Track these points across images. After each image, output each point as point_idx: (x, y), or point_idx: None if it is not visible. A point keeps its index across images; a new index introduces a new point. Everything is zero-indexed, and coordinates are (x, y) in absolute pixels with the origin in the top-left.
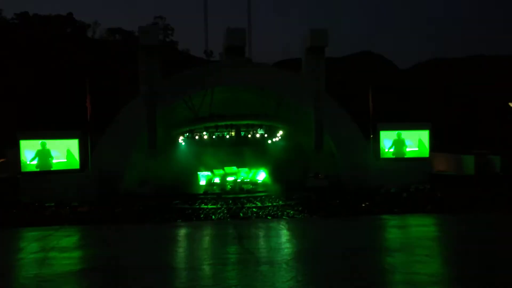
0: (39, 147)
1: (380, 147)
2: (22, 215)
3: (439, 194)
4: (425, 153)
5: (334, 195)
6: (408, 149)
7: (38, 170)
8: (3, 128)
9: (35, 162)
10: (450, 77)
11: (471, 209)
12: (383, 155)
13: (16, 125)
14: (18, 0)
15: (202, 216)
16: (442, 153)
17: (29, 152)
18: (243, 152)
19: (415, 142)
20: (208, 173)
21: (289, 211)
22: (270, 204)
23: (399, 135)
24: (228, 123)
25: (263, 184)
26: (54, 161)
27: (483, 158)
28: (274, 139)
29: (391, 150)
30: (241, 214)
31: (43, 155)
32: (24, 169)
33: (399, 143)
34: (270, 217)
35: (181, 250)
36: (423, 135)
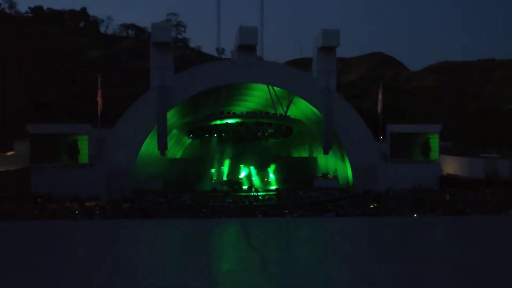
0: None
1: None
2: (31, 208)
3: (448, 196)
4: (434, 155)
5: (343, 196)
6: None
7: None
8: (12, 121)
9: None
10: (460, 80)
11: (479, 211)
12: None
13: (24, 119)
14: None
15: (209, 212)
16: (452, 156)
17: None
18: (253, 150)
19: None
20: (217, 170)
21: (297, 210)
22: (278, 203)
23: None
24: (239, 121)
25: (272, 182)
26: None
27: (493, 162)
28: (283, 138)
29: None
30: (249, 212)
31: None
32: (37, 161)
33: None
34: (278, 216)
35: (186, 247)
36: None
